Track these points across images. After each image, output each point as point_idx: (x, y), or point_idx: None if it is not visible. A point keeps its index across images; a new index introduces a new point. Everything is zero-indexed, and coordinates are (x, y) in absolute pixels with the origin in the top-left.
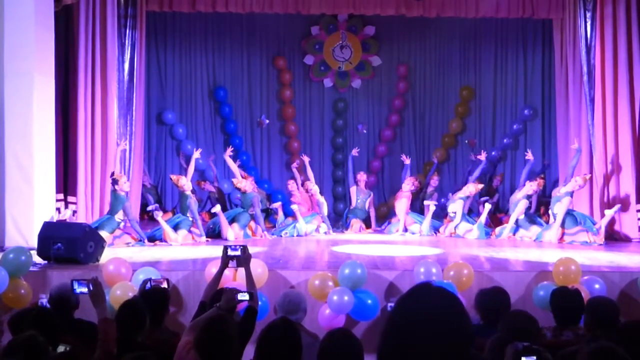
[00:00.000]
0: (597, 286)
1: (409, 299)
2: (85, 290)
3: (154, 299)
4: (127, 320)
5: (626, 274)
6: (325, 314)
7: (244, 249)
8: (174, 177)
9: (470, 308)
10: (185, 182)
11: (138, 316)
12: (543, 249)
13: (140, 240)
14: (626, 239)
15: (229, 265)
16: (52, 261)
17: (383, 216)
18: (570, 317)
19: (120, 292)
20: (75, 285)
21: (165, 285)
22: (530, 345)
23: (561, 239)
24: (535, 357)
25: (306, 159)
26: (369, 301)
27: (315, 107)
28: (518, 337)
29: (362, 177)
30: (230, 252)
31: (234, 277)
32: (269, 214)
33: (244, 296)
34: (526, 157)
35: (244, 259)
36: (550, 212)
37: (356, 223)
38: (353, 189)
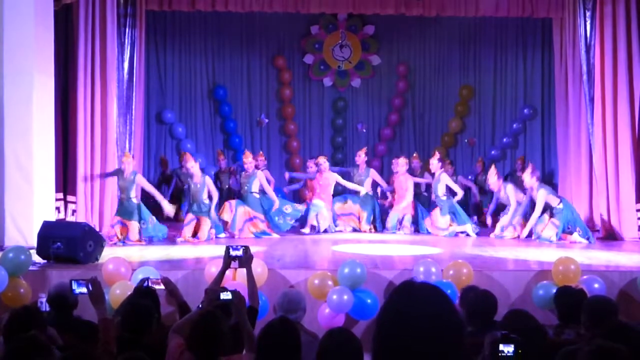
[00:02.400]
0: (596, 285)
1: (395, 299)
2: (84, 290)
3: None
4: (133, 320)
5: (626, 274)
6: (325, 313)
7: (246, 249)
8: None
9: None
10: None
11: (148, 318)
12: (543, 248)
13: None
14: (620, 238)
15: (231, 265)
16: (52, 260)
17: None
18: (574, 315)
19: (119, 292)
20: (75, 286)
21: (161, 285)
22: (508, 334)
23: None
24: (513, 346)
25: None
26: (369, 300)
27: (315, 106)
28: (518, 335)
29: (359, 157)
30: (232, 253)
31: (234, 277)
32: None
33: (226, 295)
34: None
35: (245, 260)
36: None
37: (352, 220)
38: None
